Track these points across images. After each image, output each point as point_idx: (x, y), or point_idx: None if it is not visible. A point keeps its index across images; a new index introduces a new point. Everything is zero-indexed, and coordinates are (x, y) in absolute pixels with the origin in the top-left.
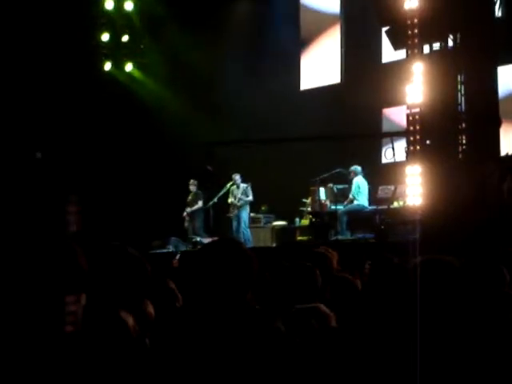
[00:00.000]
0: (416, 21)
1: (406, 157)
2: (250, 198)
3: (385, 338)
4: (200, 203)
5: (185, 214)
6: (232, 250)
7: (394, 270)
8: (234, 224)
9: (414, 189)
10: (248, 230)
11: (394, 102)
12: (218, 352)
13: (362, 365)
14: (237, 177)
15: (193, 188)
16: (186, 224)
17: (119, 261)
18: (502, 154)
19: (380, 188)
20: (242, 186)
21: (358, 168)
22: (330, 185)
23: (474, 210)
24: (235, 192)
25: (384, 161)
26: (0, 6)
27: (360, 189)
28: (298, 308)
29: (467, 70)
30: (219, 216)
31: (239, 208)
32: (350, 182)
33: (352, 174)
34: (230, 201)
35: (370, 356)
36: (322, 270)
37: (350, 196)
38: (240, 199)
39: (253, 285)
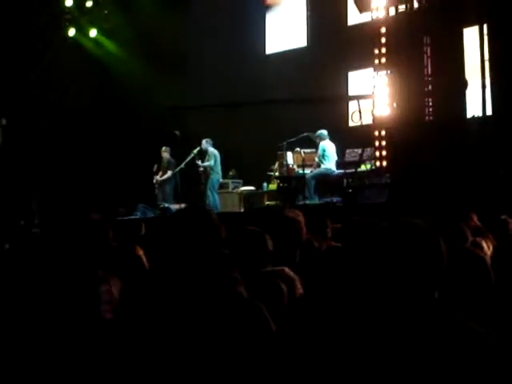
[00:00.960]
0: None
1: (373, 120)
2: (210, 163)
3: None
4: (170, 171)
5: (155, 180)
6: (200, 218)
7: (360, 232)
8: (202, 189)
9: (381, 151)
10: (215, 194)
11: (359, 65)
12: (184, 318)
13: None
14: (204, 142)
15: (165, 155)
16: (156, 191)
17: (81, 227)
18: (469, 115)
19: (347, 151)
20: (211, 150)
21: (324, 132)
22: (298, 149)
23: (441, 171)
24: (203, 157)
25: (351, 124)
26: None
27: (326, 152)
28: (264, 271)
29: (433, 31)
30: (187, 182)
31: (209, 174)
32: (317, 147)
33: (318, 139)
34: (198, 165)
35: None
36: (292, 235)
37: (316, 160)
38: (208, 165)
39: (221, 251)
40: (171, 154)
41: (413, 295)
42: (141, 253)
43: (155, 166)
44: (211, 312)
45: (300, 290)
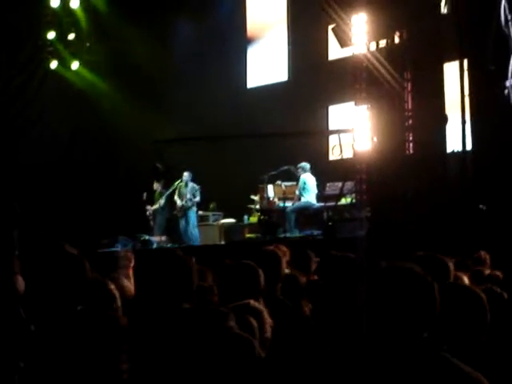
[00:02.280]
0: (362, 18)
1: (353, 154)
2: (197, 199)
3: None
4: (162, 202)
5: (148, 212)
6: (169, 261)
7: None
8: (182, 223)
9: (362, 185)
10: (196, 229)
11: (340, 99)
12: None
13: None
14: (186, 174)
15: (157, 186)
16: (151, 222)
17: (56, 259)
18: (449, 150)
19: (328, 185)
20: (191, 185)
21: (306, 165)
22: (279, 182)
23: (421, 205)
24: (183, 190)
25: (331, 157)
26: None
27: (306, 185)
28: (232, 306)
29: (414, 66)
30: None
31: (187, 209)
32: (298, 179)
33: (300, 171)
34: (176, 200)
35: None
36: (272, 269)
37: (297, 192)
38: (188, 200)
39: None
40: (163, 186)
41: (402, 336)
42: (112, 287)
43: (144, 195)
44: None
45: (269, 322)
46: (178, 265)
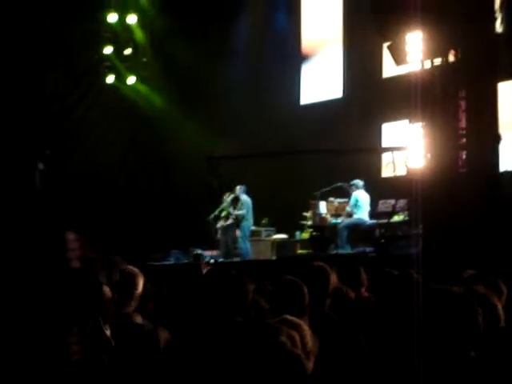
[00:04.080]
0: (417, 36)
1: (406, 171)
2: (242, 212)
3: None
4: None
5: (219, 225)
6: (225, 279)
7: (393, 285)
8: (230, 237)
9: (415, 203)
10: (248, 242)
11: (393, 117)
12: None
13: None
14: (238, 187)
15: (225, 201)
16: (219, 236)
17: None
18: (501, 169)
19: (380, 202)
20: (241, 199)
21: (359, 182)
22: (331, 199)
23: (474, 224)
24: (237, 205)
25: (384, 174)
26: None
27: (359, 202)
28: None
29: (468, 85)
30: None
31: (239, 221)
32: (350, 197)
33: (353, 188)
34: (225, 213)
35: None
36: (320, 284)
37: (348, 209)
38: (236, 213)
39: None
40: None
41: (450, 355)
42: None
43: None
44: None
45: (309, 334)
46: (233, 283)
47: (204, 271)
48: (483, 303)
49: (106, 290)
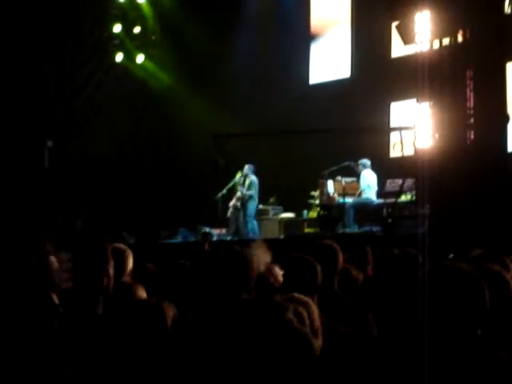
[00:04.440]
0: (426, 16)
1: (414, 151)
2: (251, 192)
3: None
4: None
5: (232, 203)
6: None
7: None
8: (241, 215)
9: (422, 183)
10: (254, 221)
11: (402, 96)
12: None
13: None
14: (246, 166)
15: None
16: (229, 214)
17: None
18: (510, 149)
19: (388, 181)
20: (250, 178)
21: (367, 162)
22: (339, 178)
23: (481, 204)
24: (246, 183)
25: (392, 154)
26: None
27: (368, 182)
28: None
29: (476, 65)
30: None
31: (246, 200)
32: (358, 176)
33: (360, 167)
34: (237, 193)
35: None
36: (329, 262)
37: (361, 187)
38: (242, 192)
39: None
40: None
41: (456, 333)
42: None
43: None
44: (261, 343)
45: (316, 312)
46: (236, 260)
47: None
48: (496, 280)
49: (53, 260)
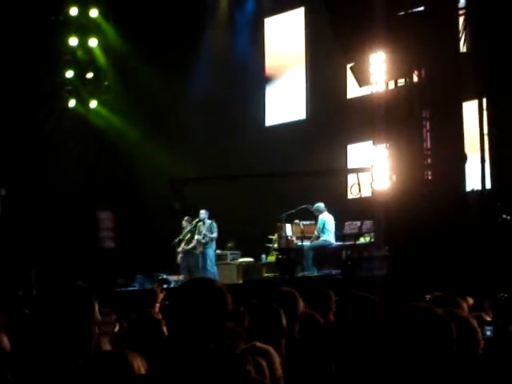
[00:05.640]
0: (381, 57)
1: (372, 193)
2: (214, 235)
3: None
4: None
5: (180, 249)
6: (206, 288)
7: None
8: (201, 261)
9: (380, 224)
10: (214, 267)
11: (359, 138)
12: None
13: None
14: (202, 212)
15: (186, 225)
16: (179, 260)
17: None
18: (468, 188)
19: (346, 224)
20: (208, 222)
21: (321, 205)
22: (297, 221)
23: (440, 244)
24: (201, 228)
25: (350, 196)
26: None
27: (326, 225)
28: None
29: (432, 105)
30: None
31: (204, 245)
32: (316, 218)
33: (316, 212)
34: (195, 238)
35: None
36: (289, 309)
37: (315, 233)
38: (205, 236)
39: (226, 319)
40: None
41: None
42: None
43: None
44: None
45: (278, 360)
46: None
47: (160, 297)
48: (464, 327)
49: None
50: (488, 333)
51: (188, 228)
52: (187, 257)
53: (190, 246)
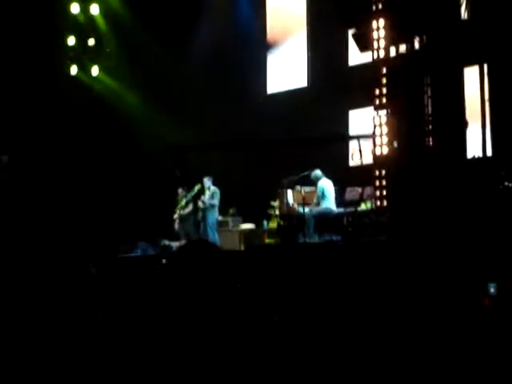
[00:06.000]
0: (382, 23)
1: (373, 159)
2: (215, 201)
3: None
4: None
5: (176, 215)
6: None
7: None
8: (201, 227)
9: (382, 190)
10: (215, 233)
11: (360, 104)
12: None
13: None
14: (205, 179)
15: (180, 192)
16: (177, 226)
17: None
18: (469, 156)
19: (348, 189)
20: (212, 188)
21: (319, 172)
22: (298, 187)
23: (441, 210)
24: (204, 194)
25: (351, 163)
26: None
27: (324, 192)
28: None
29: (434, 71)
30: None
31: (206, 211)
32: (316, 185)
33: (314, 179)
34: (198, 203)
35: None
36: None
37: (315, 200)
38: (204, 202)
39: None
40: (187, 191)
41: None
42: None
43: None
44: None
45: None
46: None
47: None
48: None
49: None
50: (492, 290)
51: (185, 194)
52: (182, 223)
53: (186, 211)
